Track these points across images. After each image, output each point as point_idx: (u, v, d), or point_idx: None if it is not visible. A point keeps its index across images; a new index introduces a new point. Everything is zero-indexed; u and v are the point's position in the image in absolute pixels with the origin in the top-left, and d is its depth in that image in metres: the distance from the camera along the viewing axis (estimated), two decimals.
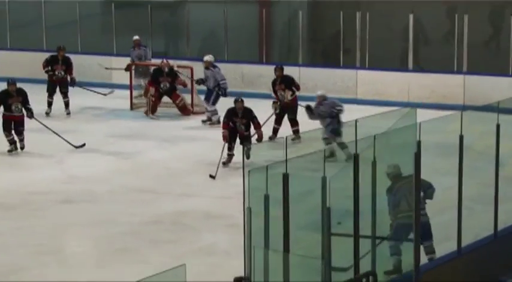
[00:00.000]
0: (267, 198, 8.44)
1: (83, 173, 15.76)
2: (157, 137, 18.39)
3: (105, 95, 19.72)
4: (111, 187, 14.91)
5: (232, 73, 21.78)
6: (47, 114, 19.56)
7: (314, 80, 21.99)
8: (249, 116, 15.83)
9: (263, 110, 17.49)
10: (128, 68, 21.15)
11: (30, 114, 16.88)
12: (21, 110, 16.84)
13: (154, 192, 14.63)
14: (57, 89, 20.00)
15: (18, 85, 16.99)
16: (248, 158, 12.97)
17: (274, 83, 18.34)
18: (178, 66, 20.68)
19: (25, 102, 16.84)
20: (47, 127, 17.22)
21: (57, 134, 17.13)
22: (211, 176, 15.02)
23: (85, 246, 12.63)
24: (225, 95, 19.27)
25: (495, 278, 9.31)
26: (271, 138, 17.33)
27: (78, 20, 24.44)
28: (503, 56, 21.15)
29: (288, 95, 17.94)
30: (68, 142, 16.98)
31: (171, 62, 20.51)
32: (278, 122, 17.94)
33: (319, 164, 8.08)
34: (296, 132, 17.60)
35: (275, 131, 17.81)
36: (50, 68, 19.30)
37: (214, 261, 11.09)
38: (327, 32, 23.63)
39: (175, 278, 6.81)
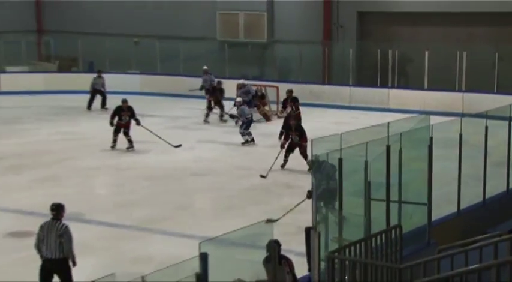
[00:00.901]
0: (327, 174, 8.41)
1: (206, 155, 15.88)
2: (257, 132, 18.32)
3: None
4: (224, 165, 14.96)
5: (304, 90, 21.71)
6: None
7: (360, 95, 21.94)
8: (300, 130, 14.94)
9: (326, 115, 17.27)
10: (201, 88, 20.97)
11: (138, 122, 16.14)
12: (128, 120, 16.07)
13: (253, 169, 14.63)
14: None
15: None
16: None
17: (285, 101, 17.89)
18: (268, 86, 20.69)
19: (132, 115, 16.06)
20: (150, 131, 16.33)
21: (159, 136, 16.14)
22: (262, 176, 13.73)
23: (207, 204, 12.72)
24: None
25: (483, 230, 9.10)
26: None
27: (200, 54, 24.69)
28: (490, 79, 20.76)
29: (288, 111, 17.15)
30: (167, 142, 15.99)
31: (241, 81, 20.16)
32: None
33: (361, 152, 8.02)
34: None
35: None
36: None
37: (292, 216, 11.06)
38: (369, 62, 23.39)
39: (266, 228, 6.84)
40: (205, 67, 21.65)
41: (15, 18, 27.10)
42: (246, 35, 24.90)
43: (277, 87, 20.96)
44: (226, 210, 11.94)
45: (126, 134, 16.05)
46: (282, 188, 13.24)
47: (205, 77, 21.43)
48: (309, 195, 10.16)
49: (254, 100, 19.77)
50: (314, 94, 22.36)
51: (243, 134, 16.96)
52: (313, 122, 18.59)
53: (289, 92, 18.21)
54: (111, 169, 14.57)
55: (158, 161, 15.21)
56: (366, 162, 7.99)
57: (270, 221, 10.63)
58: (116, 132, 16.04)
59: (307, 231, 8.08)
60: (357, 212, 8.14)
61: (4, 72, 24.93)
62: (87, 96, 21.39)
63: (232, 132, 18.36)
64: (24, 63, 25.83)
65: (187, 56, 24.82)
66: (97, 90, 21.38)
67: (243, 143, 16.71)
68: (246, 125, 17.05)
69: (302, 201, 10.78)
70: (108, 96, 21.27)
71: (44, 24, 28.52)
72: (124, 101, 16.27)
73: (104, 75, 21.92)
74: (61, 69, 26.22)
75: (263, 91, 20.70)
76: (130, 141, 16.05)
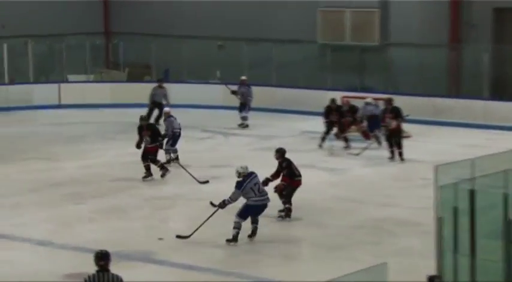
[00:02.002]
0: (456, 209, 8.20)
1: (303, 184, 15.68)
2: (361, 156, 18.21)
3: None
4: (325, 196, 14.87)
5: (425, 104, 21.35)
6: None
7: (498, 111, 21.34)
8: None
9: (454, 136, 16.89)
10: (233, 92, 21.68)
11: (160, 145, 16.16)
12: (150, 141, 15.96)
13: (361, 201, 14.49)
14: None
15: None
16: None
17: (384, 112, 18.01)
18: (378, 99, 20.43)
19: (154, 135, 15.94)
20: (175, 160, 16.54)
21: (185, 169, 15.85)
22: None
23: (304, 243, 12.59)
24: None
25: None
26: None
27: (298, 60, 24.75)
28: None
29: (393, 123, 17.55)
30: (194, 177, 15.55)
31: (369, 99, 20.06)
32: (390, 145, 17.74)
33: (499, 182, 7.76)
34: (400, 154, 17.53)
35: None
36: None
37: (410, 261, 10.82)
38: (509, 70, 22.77)
39: (378, 274, 6.69)
40: (243, 77, 21.77)
41: (80, 19, 27.99)
42: (353, 37, 24.80)
43: (391, 100, 20.63)
44: (327, 252, 11.84)
45: (153, 161, 15.87)
46: (396, 226, 13.01)
47: (243, 89, 21.63)
48: (222, 204, 12.20)
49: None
50: (438, 109, 21.93)
51: (166, 151, 16.65)
52: (437, 144, 18.30)
53: (388, 101, 18.05)
54: (186, 199, 14.72)
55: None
56: (506, 195, 7.74)
57: (179, 237, 12.01)
58: (144, 159, 15.89)
59: (431, 281, 7.86)
60: (493, 258, 7.88)
61: (66, 81, 25.78)
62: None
63: (335, 155, 18.25)
64: (89, 72, 26.63)
65: (281, 62, 24.95)
66: (157, 103, 21.76)
67: (163, 163, 16.06)
68: (172, 140, 16.72)
69: (214, 212, 12.16)
70: (185, 111, 21.63)
71: (112, 26, 29.36)
72: (142, 119, 16.21)
73: (182, 86, 22.34)
74: (131, 79, 26.91)
75: (350, 103, 20.37)
76: (162, 167, 15.88)
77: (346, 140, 18.88)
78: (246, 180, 12.12)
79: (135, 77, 27.10)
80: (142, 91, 23.79)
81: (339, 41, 24.88)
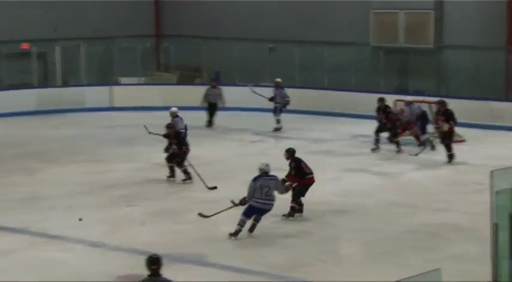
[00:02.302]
0: (511, 215, 8.15)
1: (354, 188, 15.82)
2: (415, 160, 18.15)
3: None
4: (377, 201, 14.84)
5: (482, 108, 21.18)
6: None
7: None
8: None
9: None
10: (271, 99, 21.62)
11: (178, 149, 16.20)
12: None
13: (414, 206, 14.45)
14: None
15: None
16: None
17: (436, 114, 18.18)
18: (431, 102, 20.30)
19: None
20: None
21: (197, 173, 15.83)
22: None
23: (356, 248, 12.60)
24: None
25: None
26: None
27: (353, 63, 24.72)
28: None
29: (445, 126, 17.59)
30: (203, 181, 15.49)
31: (410, 98, 20.12)
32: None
33: None
34: (449, 157, 17.61)
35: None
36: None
37: (464, 267, 10.75)
38: None
39: (431, 280, 6.70)
40: (278, 79, 21.81)
41: (132, 21, 28.30)
42: (406, 39, 24.65)
43: (444, 102, 20.45)
44: (379, 257, 11.82)
45: (179, 164, 16.03)
46: (450, 232, 12.94)
47: (276, 91, 21.72)
48: (242, 202, 12.61)
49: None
50: (495, 113, 21.72)
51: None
52: (492, 149, 18.13)
53: (441, 103, 18.04)
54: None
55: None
56: None
57: (201, 215, 12.94)
58: (169, 161, 16.16)
59: None
60: None
61: (118, 84, 26.11)
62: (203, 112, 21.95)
63: (388, 159, 18.20)
64: (141, 74, 26.93)
65: (333, 65, 24.93)
66: (211, 104, 22.15)
67: (186, 168, 15.96)
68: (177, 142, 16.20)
69: (235, 205, 12.63)
70: (236, 114, 21.78)
71: (163, 28, 29.64)
72: (168, 126, 16.32)
73: (234, 88, 22.49)
74: (182, 81, 27.14)
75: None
76: (185, 172, 15.98)
77: (398, 143, 18.83)
78: (262, 176, 12.46)
79: (185, 79, 27.35)
80: (193, 93, 24.02)
81: (392, 43, 24.74)
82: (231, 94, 23.18)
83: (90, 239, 12.53)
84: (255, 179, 12.52)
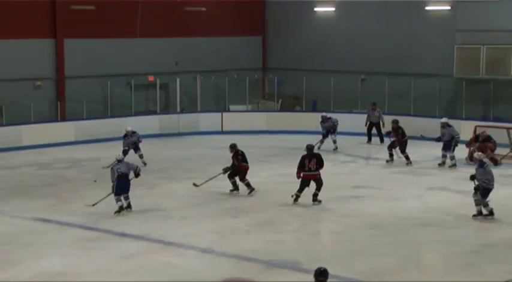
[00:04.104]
0: None
1: (436, 205, 15.40)
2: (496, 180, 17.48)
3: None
4: (458, 216, 14.39)
5: None
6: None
7: None
8: None
9: None
10: (438, 139, 19.81)
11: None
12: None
13: (494, 221, 13.92)
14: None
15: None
16: None
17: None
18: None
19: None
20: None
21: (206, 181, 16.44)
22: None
23: (437, 259, 12.27)
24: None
25: None
26: None
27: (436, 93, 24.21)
28: None
29: None
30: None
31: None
32: None
33: None
34: None
35: None
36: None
37: None
38: None
39: None
40: (444, 120, 19.95)
41: (241, 56, 28.57)
42: (487, 71, 23.97)
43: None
44: (460, 267, 11.46)
45: (242, 179, 16.23)
46: None
47: (444, 130, 19.88)
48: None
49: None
50: None
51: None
52: None
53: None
54: (330, 215, 14.66)
55: (382, 209, 15.07)
56: None
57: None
58: (231, 177, 16.33)
59: None
60: None
61: (227, 111, 26.39)
62: (309, 137, 21.87)
63: (467, 179, 17.71)
64: (248, 102, 27.13)
65: (419, 94, 24.46)
66: (373, 123, 22.75)
67: (248, 182, 16.28)
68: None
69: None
70: (331, 138, 21.74)
71: (268, 62, 29.84)
72: (232, 146, 16.38)
73: (329, 115, 22.40)
74: (283, 108, 27.21)
75: (485, 133, 19.64)
76: (248, 186, 16.18)
77: (407, 158, 19.41)
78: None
79: (286, 107, 27.39)
80: (293, 119, 24.02)
81: (474, 75, 24.10)
82: None
83: (201, 245, 12.59)
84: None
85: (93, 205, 14.99)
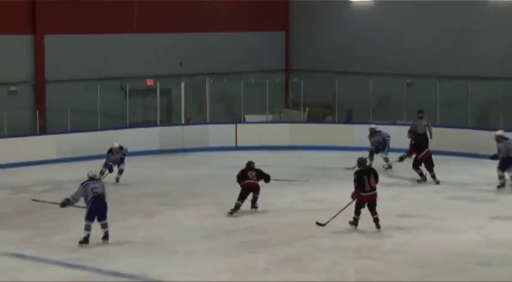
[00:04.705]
0: None
1: (501, 237, 15.26)
2: None
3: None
4: None
5: None
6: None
7: None
8: None
9: None
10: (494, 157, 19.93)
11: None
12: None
13: None
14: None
15: None
16: None
17: None
18: None
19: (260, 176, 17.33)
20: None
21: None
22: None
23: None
24: None
25: None
26: None
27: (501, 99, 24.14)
28: None
29: None
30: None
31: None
32: None
33: None
34: None
35: None
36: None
37: None
38: None
39: None
40: (499, 132, 20.10)
41: (261, 55, 28.71)
42: None
43: None
44: None
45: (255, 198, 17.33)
46: None
47: (500, 145, 19.89)
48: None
49: None
50: None
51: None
52: None
53: None
54: (369, 250, 14.56)
55: (434, 242, 14.98)
56: None
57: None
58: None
59: None
60: None
61: (243, 122, 26.32)
62: (343, 153, 21.82)
63: None
64: (268, 112, 27.10)
65: (478, 101, 24.37)
66: (419, 134, 22.37)
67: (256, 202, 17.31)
68: None
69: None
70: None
71: (293, 63, 29.82)
72: (250, 163, 17.43)
73: (366, 126, 22.36)
74: (311, 119, 27.14)
75: None
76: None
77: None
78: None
79: (315, 117, 27.33)
80: (323, 132, 23.94)
81: None
82: (365, 133, 22.90)
83: None
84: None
85: None
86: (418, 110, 23.34)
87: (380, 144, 22.13)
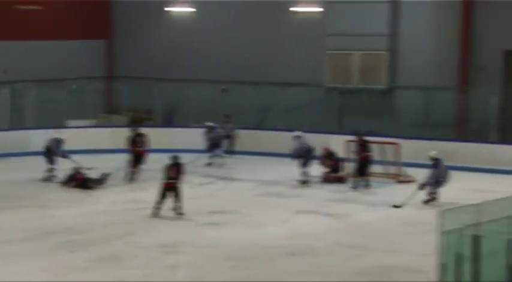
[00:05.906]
0: (459, 255, 8.01)
1: (304, 230, 15.62)
2: (365, 201, 18.14)
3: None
4: (327, 243, 14.67)
5: (434, 148, 21.21)
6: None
7: (507, 155, 21.18)
8: None
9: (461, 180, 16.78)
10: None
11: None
12: None
13: (364, 248, 14.29)
14: None
15: None
16: None
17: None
18: (385, 143, 20.53)
19: None
20: None
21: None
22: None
23: None
24: None
25: None
26: None
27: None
28: None
29: None
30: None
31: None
32: None
33: (503, 228, 7.55)
34: None
35: None
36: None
37: None
38: None
39: None
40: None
41: (82, 63, 28.11)
42: (360, 80, 24.72)
43: (398, 144, 20.53)
44: None
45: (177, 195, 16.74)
46: (400, 273, 12.83)
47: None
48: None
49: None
50: (447, 153, 21.70)
51: None
52: (444, 189, 18.03)
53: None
54: (185, 246, 14.52)
55: (244, 237, 15.12)
56: (510, 242, 7.54)
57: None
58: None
59: None
60: None
61: (65, 127, 25.66)
62: (164, 155, 21.66)
63: (337, 201, 18.08)
64: (91, 116, 26.57)
65: (287, 106, 24.87)
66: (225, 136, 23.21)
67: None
68: None
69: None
70: (188, 156, 21.59)
71: (114, 70, 29.41)
72: (174, 158, 16.89)
73: (185, 130, 22.45)
74: (133, 123, 26.81)
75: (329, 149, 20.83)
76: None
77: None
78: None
79: (137, 121, 27.02)
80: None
81: (346, 84, 24.79)
82: (183, 136, 22.90)
83: None
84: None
85: None
86: (225, 115, 23.77)
87: (216, 141, 22.56)
